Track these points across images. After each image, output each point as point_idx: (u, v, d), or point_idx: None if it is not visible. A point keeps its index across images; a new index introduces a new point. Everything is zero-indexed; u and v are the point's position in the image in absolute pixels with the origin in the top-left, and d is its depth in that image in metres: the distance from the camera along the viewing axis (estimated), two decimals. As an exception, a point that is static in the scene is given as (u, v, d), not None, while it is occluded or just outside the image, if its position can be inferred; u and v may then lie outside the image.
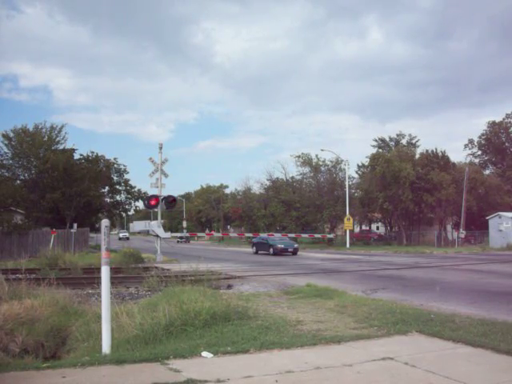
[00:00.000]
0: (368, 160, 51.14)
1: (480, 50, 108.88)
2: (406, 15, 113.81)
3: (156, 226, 27.21)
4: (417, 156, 51.03)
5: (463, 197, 43.04)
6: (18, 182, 38.71)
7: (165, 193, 27.28)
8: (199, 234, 55.38)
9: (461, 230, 42.90)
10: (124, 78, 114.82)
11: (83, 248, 33.36)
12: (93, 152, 41.24)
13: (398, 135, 59.23)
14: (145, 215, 79.63)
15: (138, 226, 33.24)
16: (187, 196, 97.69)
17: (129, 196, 45.27)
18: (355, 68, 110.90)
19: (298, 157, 56.27)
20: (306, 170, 56.95)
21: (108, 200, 44.05)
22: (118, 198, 44.95)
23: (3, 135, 37.25)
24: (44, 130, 39.12)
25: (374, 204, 47.92)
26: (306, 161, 55.84)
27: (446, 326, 7.05)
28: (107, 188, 43.26)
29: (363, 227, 64.28)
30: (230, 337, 6.51)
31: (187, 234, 46.27)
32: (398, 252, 35.16)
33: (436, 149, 49.41)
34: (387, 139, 59.79)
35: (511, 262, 23.44)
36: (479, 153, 63.14)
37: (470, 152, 62.76)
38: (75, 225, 32.80)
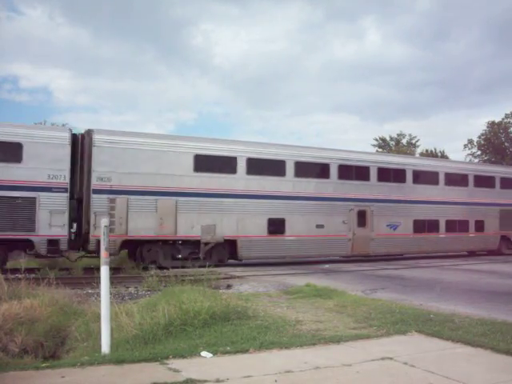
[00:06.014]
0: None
1: (478, 52, 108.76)
2: (404, 17, 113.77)
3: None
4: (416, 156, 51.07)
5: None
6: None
7: (164, 193, 27.21)
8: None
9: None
10: (124, 78, 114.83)
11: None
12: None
13: (398, 135, 59.11)
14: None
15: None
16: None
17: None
18: (353, 69, 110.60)
19: (298, 156, 56.26)
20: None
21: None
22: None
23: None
24: (43, 130, 39.13)
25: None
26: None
27: (445, 326, 7.06)
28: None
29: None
30: (229, 336, 6.51)
31: None
32: (398, 252, 35.08)
33: (435, 149, 49.48)
34: (388, 139, 59.78)
35: (511, 261, 23.44)
36: (479, 153, 63.19)
37: (469, 152, 62.83)
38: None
